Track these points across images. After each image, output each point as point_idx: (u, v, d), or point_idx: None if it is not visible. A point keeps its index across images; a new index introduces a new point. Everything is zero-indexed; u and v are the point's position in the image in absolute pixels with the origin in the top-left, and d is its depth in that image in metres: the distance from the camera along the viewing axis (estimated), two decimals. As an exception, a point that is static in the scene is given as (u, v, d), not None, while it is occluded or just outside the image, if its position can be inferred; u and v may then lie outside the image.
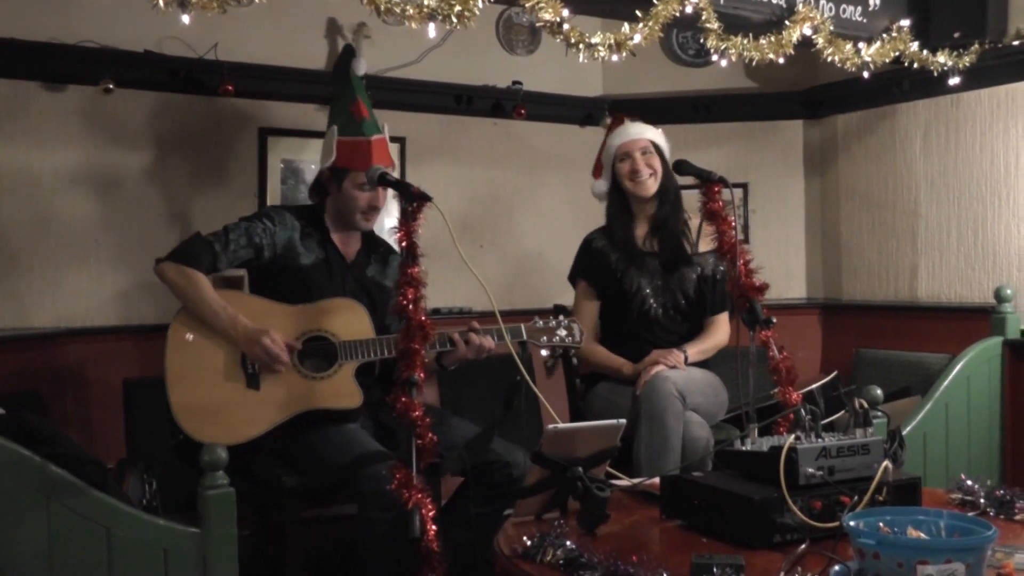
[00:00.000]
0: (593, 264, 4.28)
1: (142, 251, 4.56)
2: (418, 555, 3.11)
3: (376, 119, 4.07)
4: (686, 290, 4.20)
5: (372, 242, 4.03)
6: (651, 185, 4.16)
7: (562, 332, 3.85)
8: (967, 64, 4.74)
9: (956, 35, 4.71)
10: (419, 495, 3.11)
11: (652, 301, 4.19)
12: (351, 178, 3.83)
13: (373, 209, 3.85)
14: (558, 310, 3.93)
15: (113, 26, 4.62)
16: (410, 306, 3.27)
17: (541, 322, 3.84)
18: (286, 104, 5.05)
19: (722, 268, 4.16)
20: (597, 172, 4.31)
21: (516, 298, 5.53)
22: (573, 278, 4.39)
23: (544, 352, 3.87)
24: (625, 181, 4.19)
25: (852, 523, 2.27)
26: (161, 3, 3.24)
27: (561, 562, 2.42)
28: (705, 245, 4.19)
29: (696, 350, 4.14)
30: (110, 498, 3.10)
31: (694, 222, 4.27)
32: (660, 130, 4.29)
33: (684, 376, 3.94)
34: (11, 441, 3.04)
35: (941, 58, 4.70)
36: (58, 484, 3.02)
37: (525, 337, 3.78)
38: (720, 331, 4.25)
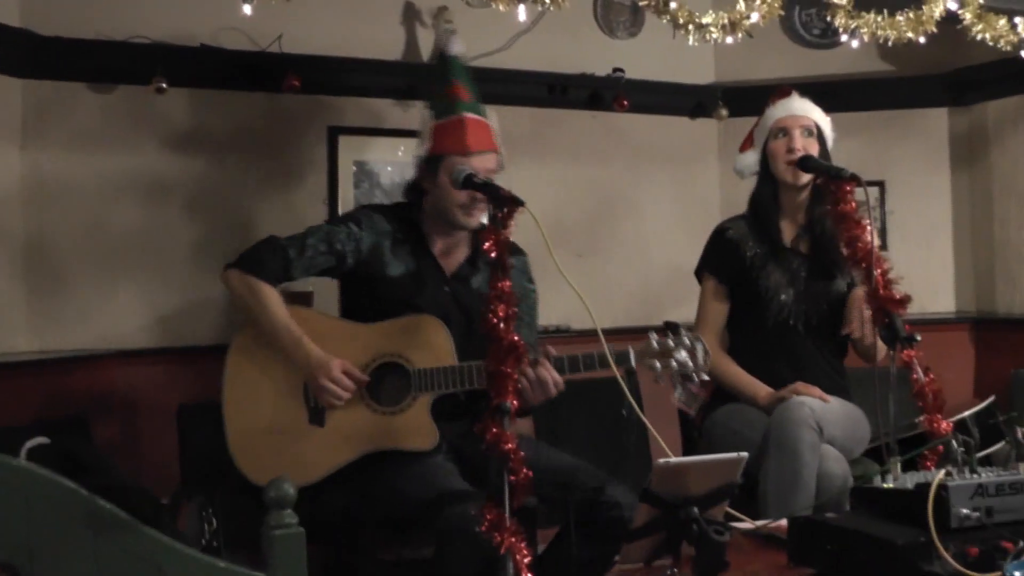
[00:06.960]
0: (725, 257, 4.15)
1: (198, 265, 4.66)
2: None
3: (480, 106, 3.91)
4: (832, 300, 4.09)
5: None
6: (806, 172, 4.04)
7: (682, 354, 3.52)
8: None
9: None
10: (512, 538, 3.11)
11: (791, 308, 4.08)
12: (446, 166, 3.67)
13: (475, 201, 3.65)
14: (669, 328, 3.60)
15: (165, 19, 4.72)
16: (500, 324, 3.22)
17: (655, 342, 3.55)
18: (359, 100, 5.12)
19: None
20: (745, 145, 4.22)
21: (620, 314, 5.55)
22: (699, 272, 4.27)
23: (659, 380, 3.56)
24: (779, 162, 4.06)
25: (1017, 573, 2.23)
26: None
27: (675, 616, 2.42)
28: None
29: None
30: (164, 535, 3.15)
31: None
32: (829, 117, 4.19)
33: (822, 405, 3.86)
34: (55, 471, 3.11)
35: (1121, 30, 4.59)
36: (106, 519, 3.06)
37: (633, 363, 3.52)
38: None
